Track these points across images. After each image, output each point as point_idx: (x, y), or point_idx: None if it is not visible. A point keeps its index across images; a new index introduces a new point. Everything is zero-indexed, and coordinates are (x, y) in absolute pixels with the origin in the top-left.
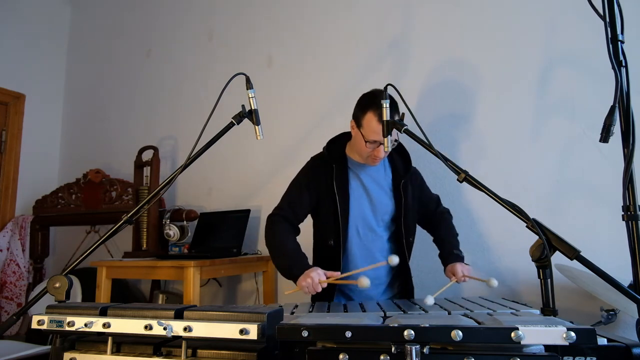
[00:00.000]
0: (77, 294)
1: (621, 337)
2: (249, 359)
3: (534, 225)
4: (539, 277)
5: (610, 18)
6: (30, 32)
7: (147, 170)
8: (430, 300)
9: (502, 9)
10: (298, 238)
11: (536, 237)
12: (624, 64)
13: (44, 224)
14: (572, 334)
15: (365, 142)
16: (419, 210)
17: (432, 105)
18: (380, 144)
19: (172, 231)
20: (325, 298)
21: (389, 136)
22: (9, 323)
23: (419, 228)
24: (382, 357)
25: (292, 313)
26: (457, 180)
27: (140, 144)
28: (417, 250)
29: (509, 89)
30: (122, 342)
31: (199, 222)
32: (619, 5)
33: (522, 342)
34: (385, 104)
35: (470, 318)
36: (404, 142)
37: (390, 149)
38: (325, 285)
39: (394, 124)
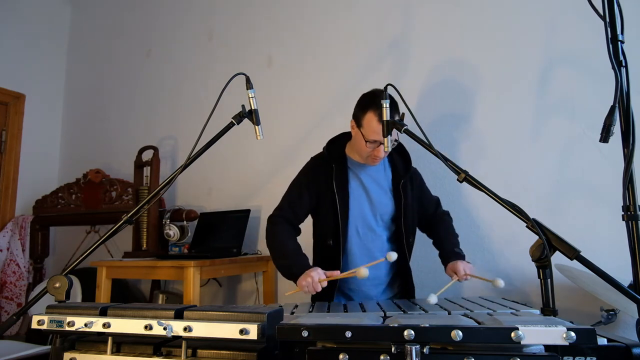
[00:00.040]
0: (77, 294)
1: (621, 337)
2: (249, 359)
3: (534, 225)
4: (539, 277)
5: (610, 18)
6: (30, 32)
7: (147, 170)
8: (433, 299)
9: (502, 9)
10: (298, 238)
11: (536, 237)
12: (624, 64)
13: (44, 224)
14: (572, 334)
15: (366, 142)
16: (418, 211)
17: (432, 105)
18: (380, 143)
19: (172, 231)
20: (325, 298)
21: (389, 136)
22: (9, 323)
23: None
24: (382, 357)
25: (292, 313)
26: (457, 180)
27: (140, 144)
28: (417, 250)
29: (509, 89)
30: (122, 342)
31: (199, 222)
32: (619, 5)
33: (522, 342)
34: (385, 104)
35: (470, 318)
36: (404, 142)
37: (390, 149)
38: (325, 284)
39: (394, 124)
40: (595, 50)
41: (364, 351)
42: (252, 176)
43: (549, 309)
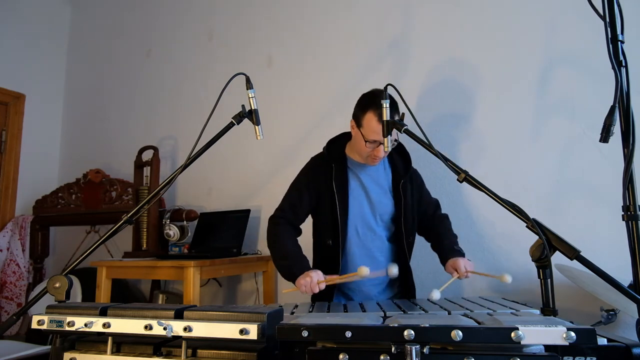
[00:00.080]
0: (77, 294)
1: (621, 337)
2: (249, 359)
3: (534, 225)
4: (539, 277)
5: (610, 18)
6: (30, 32)
7: (147, 170)
8: (436, 295)
9: (502, 9)
10: (299, 238)
11: (536, 237)
12: (624, 64)
13: (44, 224)
14: (572, 334)
15: (365, 141)
16: (417, 212)
17: (432, 105)
18: (380, 143)
19: (172, 231)
20: (325, 298)
21: (389, 136)
22: (9, 323)
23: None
24: (382, 357)
25: (292, 313)
26: (457, 180)
27: (140, 144)
28: (417, 250)
29: (509, 89)
30: (122, 342)
31: (199, 222)
32: (619, 5)
33: (522, 342)
34: (385, 103)
35: (470, 318)
36: (404, 142)
37: (390, 149)
38: (323, 286)
39: (394, 123)
40: (595, 50)
41: (364, 351)
42: (252, 176)
43: (549, 309)
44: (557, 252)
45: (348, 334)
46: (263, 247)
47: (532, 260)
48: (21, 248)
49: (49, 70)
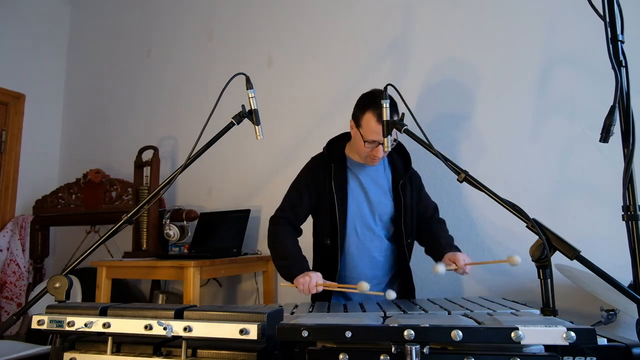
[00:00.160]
0: (77, 294)
1: (621, 337)
2: (249, 359)
3: (534, 225)
4: (539, 277)
5: (610, 18)
6: (30, 32)
7: (147, 170)
8: (441, 268)
9: (502, 9)
10: (299, 238)
11: (536, 237)
12: (624, 64)
13: (44, 224)
14: (572, 334)
15: (364, 141)
16: (415, 213)
17: (432, 105)
18: (379, 144)
19: (172, 231)
20: (324, 297)
21: (389, 136)
22: (9, 323)
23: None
24: (382, 357)
25: (292, 313)
26: (457, 180)
27: (140, 144)
28: (417, 251)
29: (509, 89)
30: (122, 342)
31: (199, 222)
32: (619, 5)
33: (522, 342)
34: (385, 103)
35: (470, 318)
36: (404, 142)
37: (389, 149)
38: (320, 289)
39: (393, 123)
40: (595, 50)
41: (364, 351)
42: (252, 176)
43: (549, 309)
44: (557, 252)
45: (348, 334)
46: (263, 247)
47: (532, 260)
48: (21, 248)
49: (49, 70)
